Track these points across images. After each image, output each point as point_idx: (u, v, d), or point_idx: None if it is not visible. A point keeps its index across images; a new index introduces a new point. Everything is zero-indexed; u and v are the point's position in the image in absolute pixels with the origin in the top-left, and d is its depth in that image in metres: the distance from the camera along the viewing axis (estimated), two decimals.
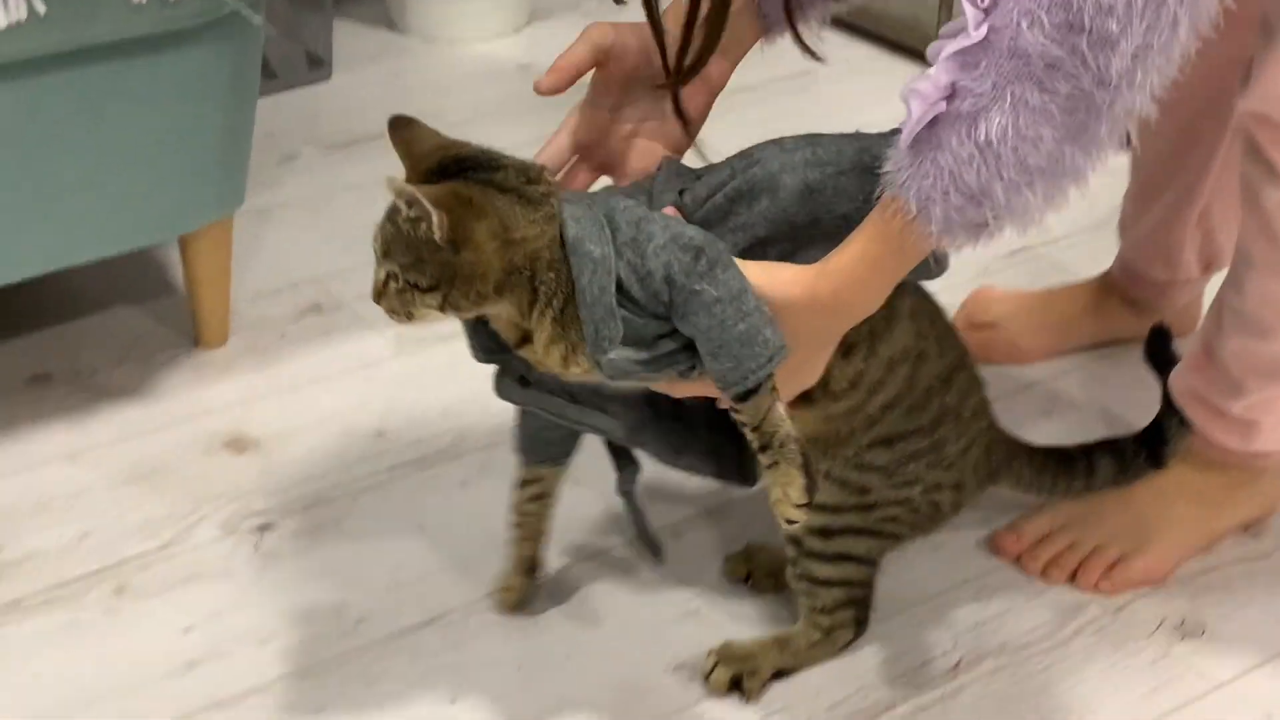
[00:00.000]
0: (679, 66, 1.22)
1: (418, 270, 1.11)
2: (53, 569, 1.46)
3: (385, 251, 1.12)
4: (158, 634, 1.40)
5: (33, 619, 1.41)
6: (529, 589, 1.42)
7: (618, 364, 1.13)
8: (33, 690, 1.33)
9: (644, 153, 1.28)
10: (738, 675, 1.33)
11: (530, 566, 1.41)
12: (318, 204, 2.08)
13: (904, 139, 1.05)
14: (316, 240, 2.00)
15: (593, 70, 1.26)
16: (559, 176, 1.27)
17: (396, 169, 1.15)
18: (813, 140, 1.18)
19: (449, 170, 1.13)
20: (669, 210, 1.17)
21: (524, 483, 1.36)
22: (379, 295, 1.14)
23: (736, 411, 1.13)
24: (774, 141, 1.19)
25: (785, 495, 1.13)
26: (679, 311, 1.10)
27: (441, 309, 1.12)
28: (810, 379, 1.19)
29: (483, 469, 1.60)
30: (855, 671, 1.36)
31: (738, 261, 1.11)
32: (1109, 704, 1.34)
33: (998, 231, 1.06)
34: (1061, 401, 1.71)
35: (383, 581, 1.46)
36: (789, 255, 1.15)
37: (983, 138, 1.01)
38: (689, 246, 1.10)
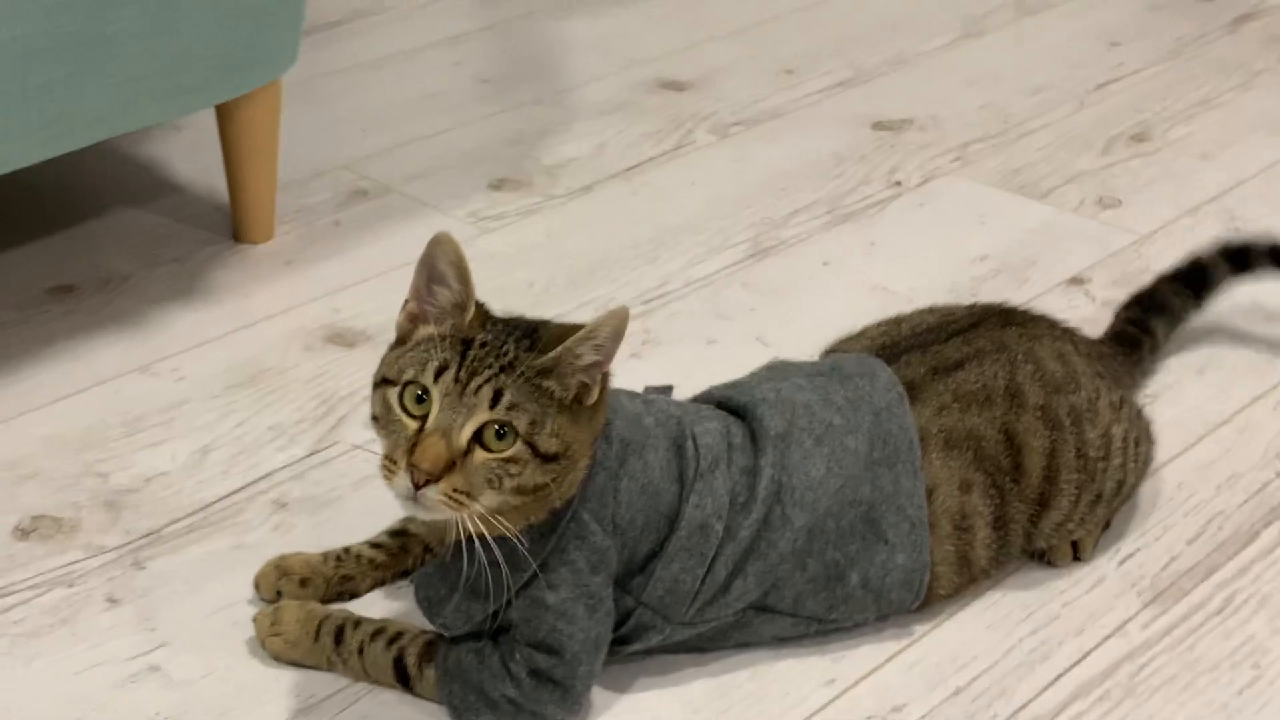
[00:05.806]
0: None
1: (549, 438, 0.90)
2: (189, 493, 1.18)
3: (508, 402, 0.90)
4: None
5: (187, 549, 1.12)
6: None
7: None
8: (210, 628, 1.06)
9: None
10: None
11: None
12: (321, 85, 1.80)
13: None
14: (332, 123, 1.72)
15: None
16: None
17: None
18: None
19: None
20: None
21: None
22: (449, 462, 0.89)
23: None
24: None
25: None
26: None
27: (542, 490, 0.91)
28: None
29: None
30: (1206, 513, 1.20)
31: None
32: None
33: None
34: None
35: None
36: None
37: None
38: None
